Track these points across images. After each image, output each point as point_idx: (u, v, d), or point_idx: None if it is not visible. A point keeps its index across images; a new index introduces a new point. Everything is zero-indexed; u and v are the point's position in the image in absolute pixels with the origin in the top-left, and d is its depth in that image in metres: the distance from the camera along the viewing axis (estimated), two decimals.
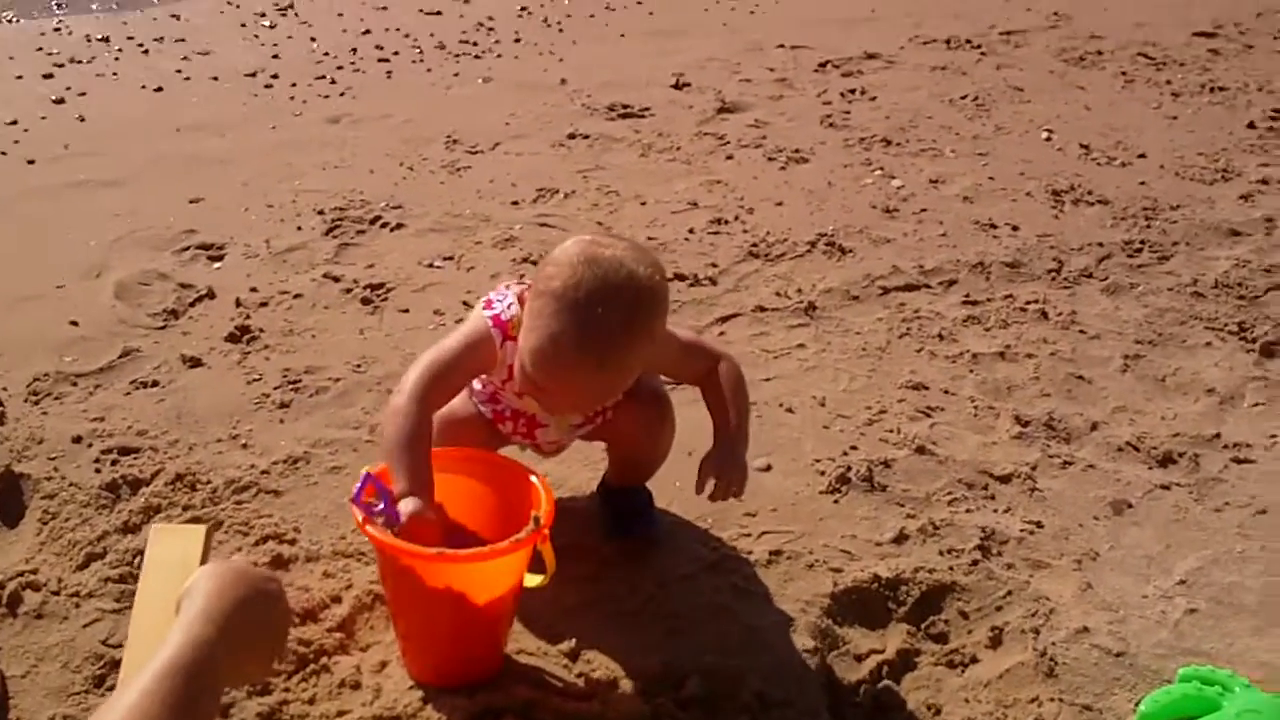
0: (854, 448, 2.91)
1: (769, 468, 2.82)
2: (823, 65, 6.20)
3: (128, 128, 4.84)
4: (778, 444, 2.91)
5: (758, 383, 3.16)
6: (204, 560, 1.60)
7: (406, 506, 1.95)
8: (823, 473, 2.79)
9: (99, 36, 6.20)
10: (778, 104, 5.60)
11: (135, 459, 2.72)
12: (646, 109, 5.40)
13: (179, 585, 1.43)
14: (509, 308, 2.17)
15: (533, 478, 2.12)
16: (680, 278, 3.74)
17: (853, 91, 5.80)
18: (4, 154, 4.48)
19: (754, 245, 4.01)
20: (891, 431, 2.99)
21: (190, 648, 1.27)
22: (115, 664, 2.08)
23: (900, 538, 2.58)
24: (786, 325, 3.50)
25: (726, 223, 4.20)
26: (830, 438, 2.95)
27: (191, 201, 4.15)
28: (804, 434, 2.97)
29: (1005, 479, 2.83)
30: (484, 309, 2.19)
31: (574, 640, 2.21)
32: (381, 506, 1.96)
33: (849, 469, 2.79)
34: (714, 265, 3.85)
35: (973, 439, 2.98)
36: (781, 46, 6.50)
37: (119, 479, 2.63)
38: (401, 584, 2.06)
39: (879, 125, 5.33)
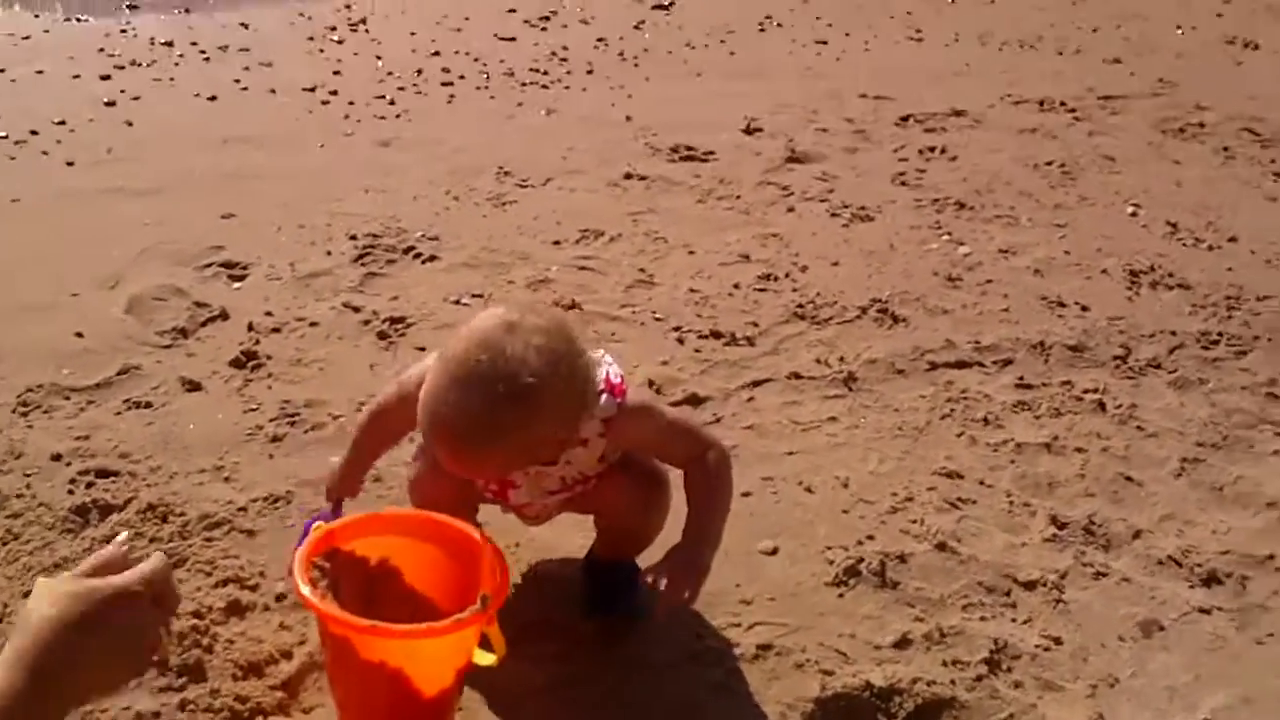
0: (870, 537, 2.70)
1: (775, 551, 2.63)
2: (904, 119, 5.97)
3: (173, 136, 4.78)
4: (788, 526, 2.72)
5: (779, 456, 2.98)
6: None
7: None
8: (832, 562, 2.59)
9: (163, 40, 6.22)
10: (851, 157, 5.39)
11: (112, 483, 2.64)
12: (711, 153, 5.22)
13: None
14: None
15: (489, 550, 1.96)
16: (716, 335, 3.56)
17: (932, 149, 5.57)
18: (46, 154, 4.44)
19: (800, 306, 3.81)
20: (914, 522, 2.77)
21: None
22: None
23: (903, 642, 2.37)
24: (821, 396, 3.30)
25: (776, 279, 4.00)
26: (847, 524, 2.75)
27: (224, 217, 4.06)
28: (819, 517, 2.76)
29: (1029, 586, 2.60)
30: None
31: None
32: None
33: (860, 561, 2.58)
34: (754, 324, 3.66)
35: (1001, 538, 2.75)
36: (864, 96, 6.27)
37: (90, 503, 2.56)
38: (338, 653, 1.92)
39: (955, 187, 5.10)
